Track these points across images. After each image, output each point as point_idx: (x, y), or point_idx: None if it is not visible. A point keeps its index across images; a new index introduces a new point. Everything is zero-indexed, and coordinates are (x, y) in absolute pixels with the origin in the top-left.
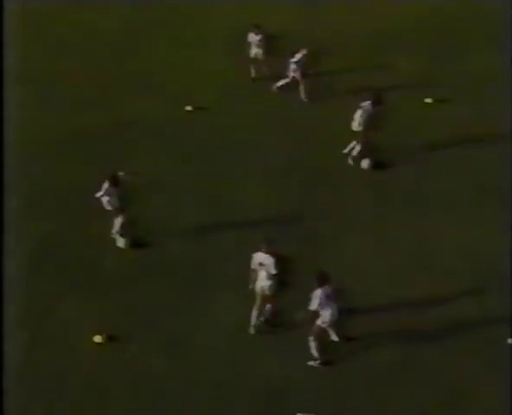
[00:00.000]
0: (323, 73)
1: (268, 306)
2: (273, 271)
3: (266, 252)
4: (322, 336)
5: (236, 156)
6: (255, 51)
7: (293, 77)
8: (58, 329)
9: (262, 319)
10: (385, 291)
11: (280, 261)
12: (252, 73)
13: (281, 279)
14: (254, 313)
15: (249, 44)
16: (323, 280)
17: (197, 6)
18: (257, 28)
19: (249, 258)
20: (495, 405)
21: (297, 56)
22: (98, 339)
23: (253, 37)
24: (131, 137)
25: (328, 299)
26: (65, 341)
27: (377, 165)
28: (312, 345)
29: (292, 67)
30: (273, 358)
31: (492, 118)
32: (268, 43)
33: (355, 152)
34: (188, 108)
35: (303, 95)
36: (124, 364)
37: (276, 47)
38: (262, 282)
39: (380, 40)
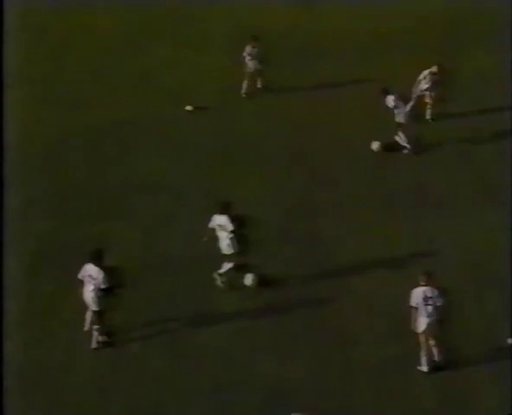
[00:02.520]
0: (322, 74)
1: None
2: (439, 303)
3: (427, 285)
4: None
5: (236, 156)
6: (251, 64)
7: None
8: (58, 329)
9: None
10: (385, 291)
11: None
12: (244, 87)
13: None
14: (424, 356)
15: (243, 57)
16: None
17: (197, 6)
18: (255, 41)
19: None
20: (495, 405)
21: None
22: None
23: (250, 49)
24: (131, 137)
25: None
26: (65, 340)
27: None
28: None
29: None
30: (273, 358)
31: (492, 117)
32: (265, 55)
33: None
34: (189, 108)
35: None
36: (124, 364)
37: (272, 60)
38: (427, 318)
39: (381, 40)
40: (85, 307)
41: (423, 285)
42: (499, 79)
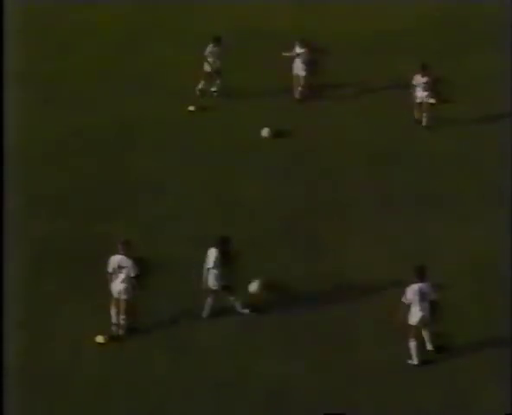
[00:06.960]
0: (322, 73)
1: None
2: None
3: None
4: None
5: (236, 157)
6: (216, 64)
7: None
8: (59, 329)
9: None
10: (385, 291)
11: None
12: (201, 84)
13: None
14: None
15: (206, 57)
16: None
17: (197, 6)
18: (216, 41)
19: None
20: (495, 406)
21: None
22: (100, 339)
23: (213, 49)
24: (132, 137)
25: None
26: (65, 341)
27: None
28: None
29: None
30: (273, 358)
31: (492, 117)
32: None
33: None
34: (191, 108)
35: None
36: (124, 364)
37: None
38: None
39: (381, 40)
40: (109, 302)
41: (416, 281)
42: (499, 80)
